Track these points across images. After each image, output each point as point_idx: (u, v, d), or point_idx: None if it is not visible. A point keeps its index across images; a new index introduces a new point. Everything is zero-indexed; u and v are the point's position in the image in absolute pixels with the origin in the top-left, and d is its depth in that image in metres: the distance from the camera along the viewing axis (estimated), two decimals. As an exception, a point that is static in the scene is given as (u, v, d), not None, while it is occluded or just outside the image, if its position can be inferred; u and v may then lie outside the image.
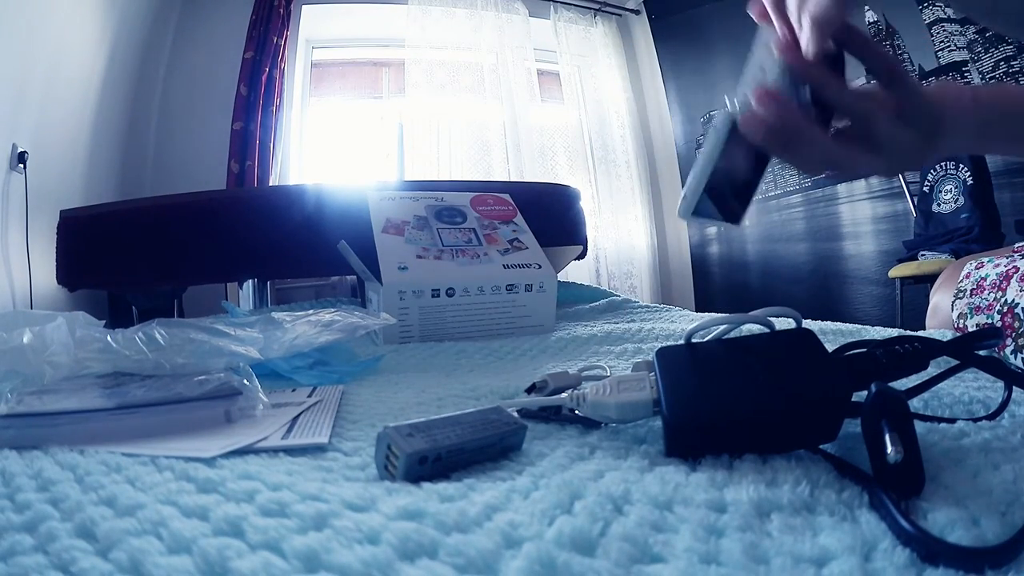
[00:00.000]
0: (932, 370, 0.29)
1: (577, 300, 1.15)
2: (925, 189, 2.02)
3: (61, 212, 1.12)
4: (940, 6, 2.09)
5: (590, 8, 3.38)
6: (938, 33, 2.12)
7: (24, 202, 1.67)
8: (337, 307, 0.65)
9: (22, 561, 0.18)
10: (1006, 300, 0.57)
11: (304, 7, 2.84)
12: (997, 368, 0.29)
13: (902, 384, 0.29)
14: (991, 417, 0.30)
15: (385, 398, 0.41)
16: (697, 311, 1.14)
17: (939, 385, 0.31)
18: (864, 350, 0.29)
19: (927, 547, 0.17)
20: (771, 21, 0.31)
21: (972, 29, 2.03)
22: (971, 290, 0.62)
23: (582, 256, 1.49)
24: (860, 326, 0.67)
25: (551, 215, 1.32)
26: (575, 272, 2.64)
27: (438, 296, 0.72)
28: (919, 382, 0.30)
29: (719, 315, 0.32)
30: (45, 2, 1.76)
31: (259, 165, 2.56)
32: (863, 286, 2.53)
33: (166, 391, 0.36)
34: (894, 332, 0.57)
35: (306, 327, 0.52)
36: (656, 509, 0.20)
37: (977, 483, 0.22)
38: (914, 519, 0.19)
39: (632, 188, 3.36)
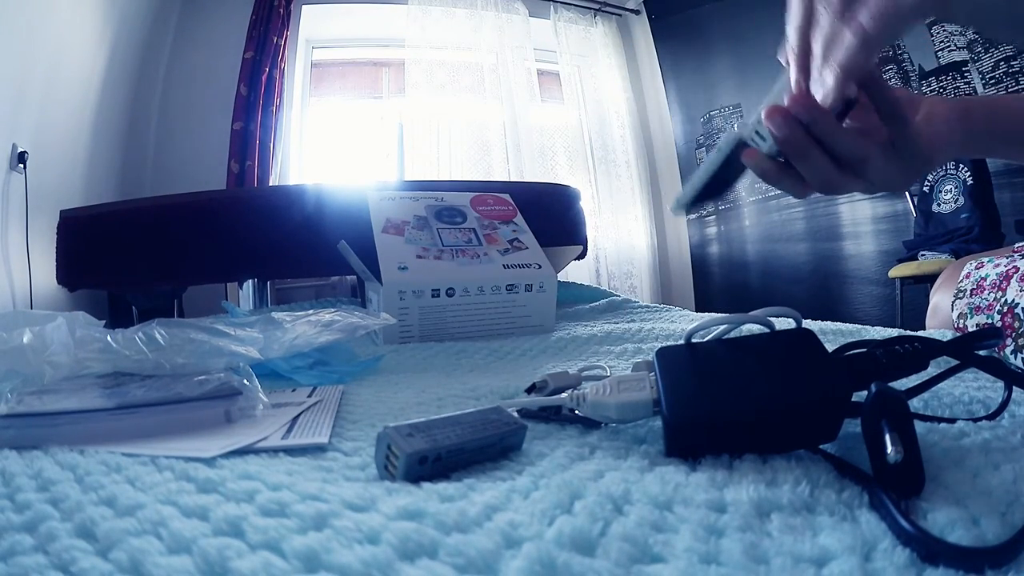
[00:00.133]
0: (932, 370, 0.29)
1: (577, 300, 1.15)
2: (925, 189, 2.02)
3: (61, 212, 1.12)
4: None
5: (590, 8, 3.38)
6: (938, 33, 2.12)
7: (24, 202, 1.67)
8: (337, 307, 0.65)
9: (22, 561, 0.18)
10: (1006, 300, 0.57)
11: (304, 7, 2.84)
12: (997, 368, 0.29)
13: (902, 384, 0.29)
14: (991, 417, 0.30)
15: (385, 398, 0.41)
16: (697, 311, 1.14)
17: (939, 385, 0.31)
18: (864, 350, 0.29)
19: (927, 547, 0.17)
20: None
21: (972, 29, 2.03)
22: (971, 290, 0.62)
23: (582, 256, 1.49)
24: (860, 326, 0.67)
25: (551, 215, 1.32)
26: (575, 272, 2.64)
27: (438, 296, 0.72)
28: (919, 382, 0.30)
29: (719, 315, 0.32)
30: (45, 2, 1.76)
31: (259, 165, 2.56)
32: (863, 286, 2.53)
33: (166, 391, 0.36)
34: (894, 332, 0.57)
35: (306, 327, 0.52)
36: (656, 509, 0.20)
37: (977, 483, 0.22)
38: (914, 519, 0.19)
39: (632, 188, 3.36)
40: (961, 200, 1.90)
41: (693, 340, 0.29)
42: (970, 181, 1.88)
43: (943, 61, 2.13)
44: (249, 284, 1.37)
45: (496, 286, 0.75)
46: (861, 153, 0.32)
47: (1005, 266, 0.59)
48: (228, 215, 1.14)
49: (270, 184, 2.56)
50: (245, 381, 0.37)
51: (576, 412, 0.31)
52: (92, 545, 0.19)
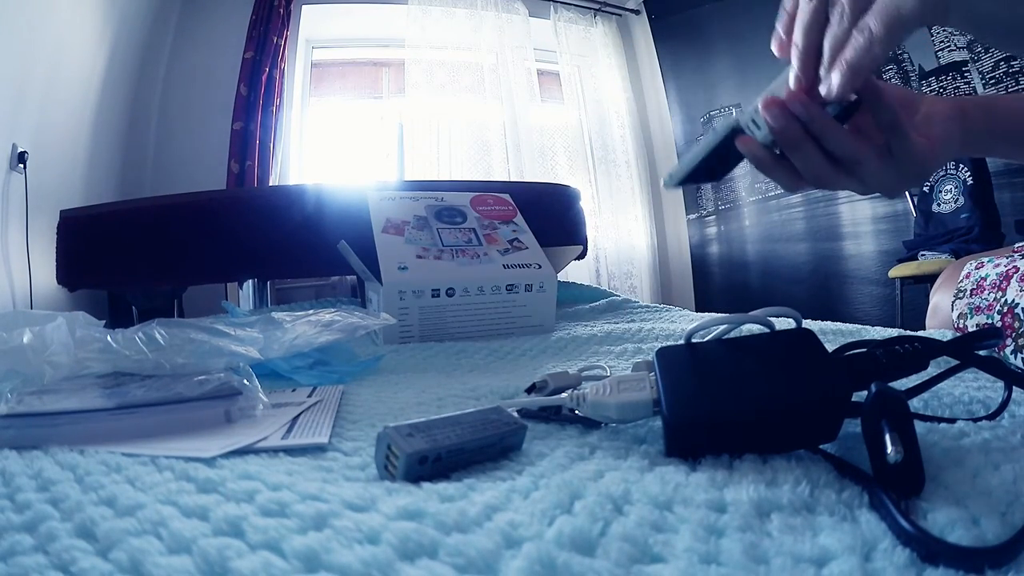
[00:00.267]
0: (932, 370, 0.29)
1: (577, 300, 1.15)
2: (925, 189, 2.02)
3: (61, 212, 1.12)
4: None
5: (590, 8, 3.38)
6: (938, 33, 2.12)
7: (24, 202, 1.67)
8: (337, 307, 0.65)
9: (22, 561, 0.18)
10: (1006, 300, 0.57)
11: (304, 7, 2.84)
12: (997, 368, 0.29)
13: (902, 384, 0.29)
14: (991, 417, 0.30)
15: (385, 398, 0.41)
16: (697, 311, 1.14)
17: (939, 385, 0.31)
18: (864, 350, 0.29)
19: (927, 547, 0.17)
20: (789, 55, 0.31)
21: (970, 36, 2.03)
22: (971, 290, 0.62)
23: (582, 256, 1.49)
24: (860, 326, 0.67)
25: (551, 215, 1.32)
26: (575, 272, 2.64)
27: (438, 296, 0.72)
28: (919, 382, 0.30)
29: (719, 315, 0.32)
30: (45, 2, 1.76)
31: (259, 165, 2.56)
32: (863, 286, 2.53)
33: (166, 391, 0.36)
34: (894, 332, 0.57)
35: (306, 327, 0.52)
36: (656, 509, 0.20)
37: (977, 483, 0.22)
38: (914, 519, 0.19)
39: (632, 188, 3.36)
40: (961, 200, 1.90)
41: (693, 340, 0.29)
42: (970, 181, 1.88)
43: (943, 61, 2.13)
44: (249, 284, 1.37)
45: (496, 286, 0.75)
46: (855, 153, 0.32)
47: (1005, 266, 0.59)
48: (228, 215, 1.14)
49: (270, 184, 2.56)
50: (245, 381, 0.37)
51: (576, 412, 0.31)
52: (92, 545, 0.19)
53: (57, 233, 1.10)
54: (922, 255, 1.92)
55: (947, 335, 0.54)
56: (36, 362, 0.35)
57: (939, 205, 1.97)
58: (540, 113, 3.16)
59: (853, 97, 0.32)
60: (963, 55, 2.07)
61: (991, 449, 0.25)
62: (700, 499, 0.21)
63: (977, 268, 0.63)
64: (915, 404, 0.32)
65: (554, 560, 0.17)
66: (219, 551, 0.17)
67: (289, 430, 0.32)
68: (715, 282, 3.32)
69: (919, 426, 0.25)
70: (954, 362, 0.30)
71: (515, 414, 0.29)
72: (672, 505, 0.21)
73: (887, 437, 0.21)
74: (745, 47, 2.85)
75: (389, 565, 0.17)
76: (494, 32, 3.12)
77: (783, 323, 0.31)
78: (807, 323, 0.51)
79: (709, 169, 0.37)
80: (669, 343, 0.43)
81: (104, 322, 0.43)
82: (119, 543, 0.18)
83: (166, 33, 2.56)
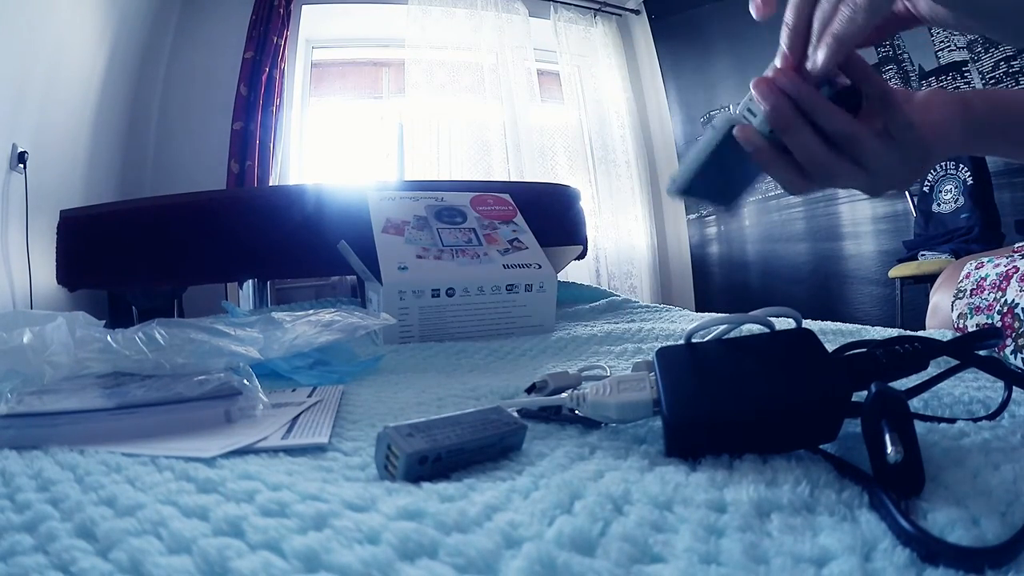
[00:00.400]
0: (932, 370, 0.29)
1: (577, 300, 1.15)
2: (925, 189, 2.02)
3: (61, 212, 1.12)
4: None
5: (590, 8, 3.38)
6: (938, 33, 2.12)
7: (24, 202, 1.67)
8: (337, 307, 0.65)
9: (22, 561, 0.18)
10: (1006, 300, 0.57)
11: (304, 7, 2.84)
12: (997, 368, 0.29)
13: (902, 384, 0.29)
14: (991, 417, 0.30)
15: (385, 398, 0.41)
16: (697, 311, 1.14)
17: (939, 385, 0.31)
18: (864, 350, 0.29)
19: (927, 547, 0.17)
20: (764, 15, 0.32)
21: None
22: (971, 290, 0.62)
23: (582, 256, 1.49)
24: (860, 326, 0.67)
25: (551, 215, 1.32)
26: (575, 272, 2.64)
27: (438, 296, 0.72)
28: (919, 382, 0.30)
29: (719, 315, 0.32)
30: (45, 2, 1.76)
31: (259, 165, 2.56)
32: (863, 286, 2.53)
33: (166, 391, 0.36)
34: (894, 332, 0.57)
35: (306, 327, 0.52)
36: (656, 509, 0.20)
37: (977, 483, 0.22)
38: (914, 519, 0.19)
39: (632, 188, 3.36)
40: (961, 200, 1.90)
41: (693, 340, 0.29)
42: (970, 181, 1.88)
43: (943, 61, 2.13)
44: (249, 284, 1.37)
45: (496, 286, 0.75)
46: (851, 131, 0.32)
47: (1005, 266, 0.59)
48: (228, 215, 1.14)
49: (270, 184, 2.56)
50: (245, 381, 0.37)
51: (576, 412, 0.31)
52: (92, 545, 0.19)
53: (57, 233, 1.10)
54: (922, 255, 1.92)
55: (947, 335, 0.54)
56: (36, 362, 0.35)
57: (939, 205, 1.97)
58: (540, 113, 3.16)
59: (847, 82, 0.32)
60: (963, 55, 2.07)
61: (991, 449, 0.25)
62: (700, 499, 0.21)
63: (977, 268, 0.63)
64: (915, 404, 0.32)
65: (554, 560, 0.17)
66: (219, 551, 0.17)
67: (289, 430, 0.32)
68: (715, 282, 3.32)
69: (919, 426, 0.25)
70: (954, 362, 0.30)
71: (515, 414, 0.29)
72: (672, 505, 0.21)
73: (887, 437, 0.21)
74: (745, 47, 2.85)
75: (389, 565, 0.17)
76: (494, 32, 3.12)
77: (783, 323, 0.31)
78: (807, 323, 0.51)
79: (719, 185, 0.36)
80: (669, 343, 0.43)
81: (104, 322, 0.43)
82: (119, 543, 0.18)
83: (166, 33, 2.56)
